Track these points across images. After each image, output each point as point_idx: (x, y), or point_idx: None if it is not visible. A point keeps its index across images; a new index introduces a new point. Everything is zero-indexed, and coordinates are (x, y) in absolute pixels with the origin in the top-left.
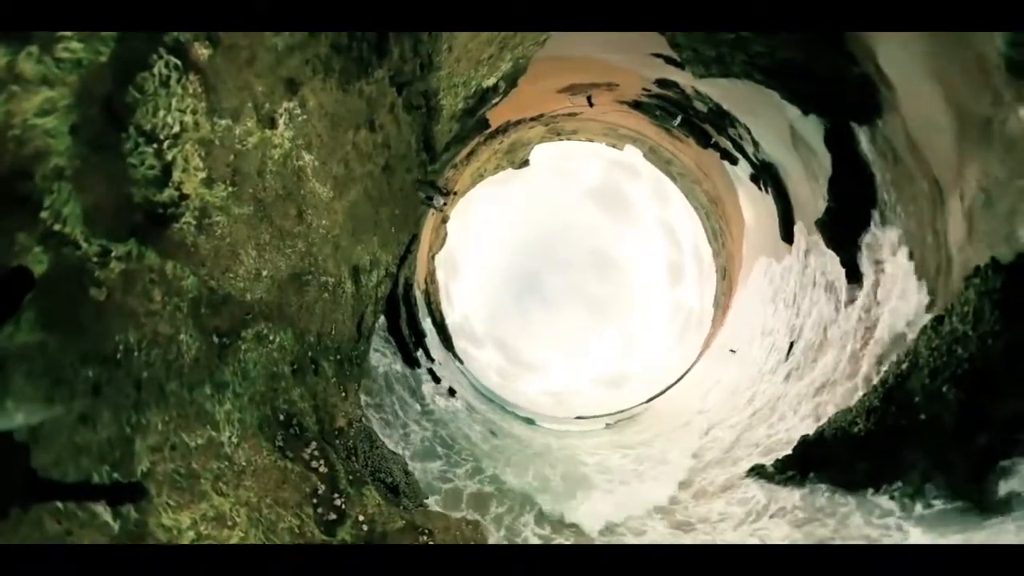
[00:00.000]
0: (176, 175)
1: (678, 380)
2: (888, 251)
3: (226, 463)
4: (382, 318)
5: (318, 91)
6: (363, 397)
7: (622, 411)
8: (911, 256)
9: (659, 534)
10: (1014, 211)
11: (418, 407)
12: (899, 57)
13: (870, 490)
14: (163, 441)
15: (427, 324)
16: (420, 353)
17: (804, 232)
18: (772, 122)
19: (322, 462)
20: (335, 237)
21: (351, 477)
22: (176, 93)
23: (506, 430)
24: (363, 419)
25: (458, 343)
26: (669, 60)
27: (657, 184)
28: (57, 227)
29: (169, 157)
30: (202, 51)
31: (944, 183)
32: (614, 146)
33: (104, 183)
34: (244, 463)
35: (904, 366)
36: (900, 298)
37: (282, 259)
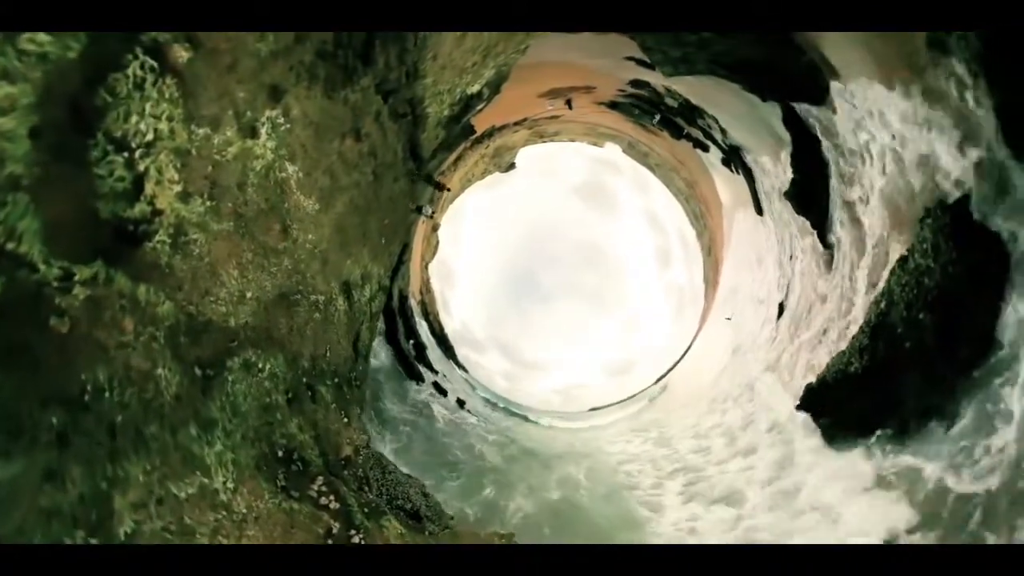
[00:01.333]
0: (149, 188)
1: (681, 357)
2: (849, 208)
3: (223, 513)
4: (379, 334)
5: (302, 99)
6: (367, 420)
7: (633, 396)
8: (868, 209)
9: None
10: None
11: (426, 423)
12: (840, 45)
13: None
14: (147, 495)
15: (426, 336)
16: (422, 366)
17: (775, 204)
18: (736, 111)
19: (332, 497)
20: (323, 252)
21: (367, 509)
22: (151, 97)
23: (521, 434)
24: (370, 444)
25: (460, 351)
26: (641, 62)
27: (637, 176)
28: (11, 246)
29: (141, 168)
30: (181, 53)
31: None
32: (595, 144)
33: (67, 196)
34: (244, 510)
35: (883, 304)
36: (868, 247)
37: (267, 278)
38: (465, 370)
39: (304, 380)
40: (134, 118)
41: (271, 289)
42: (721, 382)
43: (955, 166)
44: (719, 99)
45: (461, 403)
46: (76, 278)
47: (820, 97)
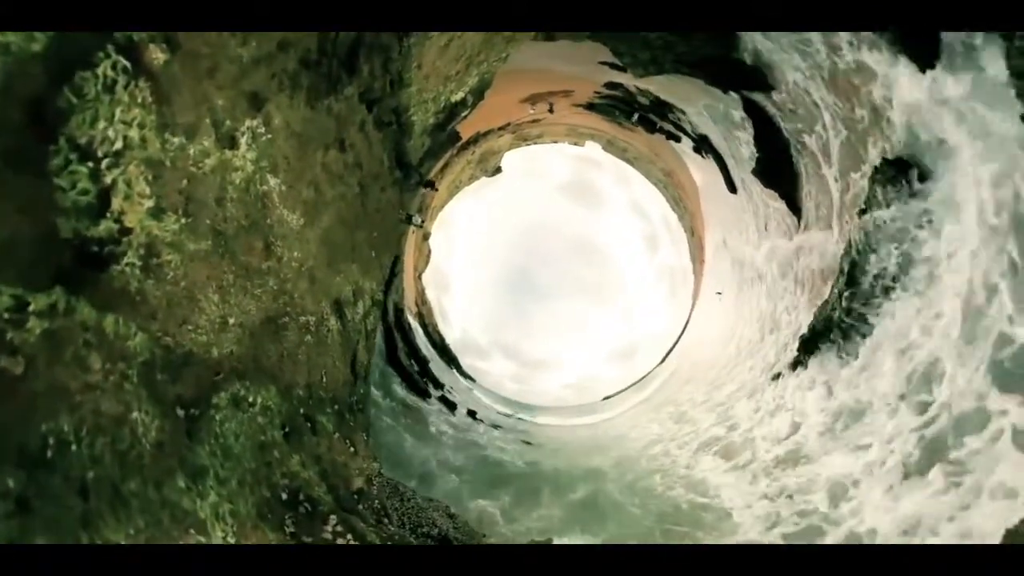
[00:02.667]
0: (116, 203)
1: (681, 334)
2: (809, 177)
3: None
4: (378, 352)
5: (284, 108)
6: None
7: (642, 377)
8: (827, 176)
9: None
10: (873, 126)
11: (437, 441)
12: (771, 41)
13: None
14: None
15: (427, 349)
16: (427, 382)
17: (744, 181)
18: (701, 103)
19: (349, 536)
20: (310, 269)
21: (389, 543)
22: (122, 101)
23: (539, 436)
24: (383, 471)
25: (464, 361)
26: (614, 66)
27: (618, 170)
28: None
29: (108, 180)
30: (157, 55)
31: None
32: (576, 144)
33: (21, 211)
34: None
35: (852, 250)
36: (832, 207)
37: (251, 302)
38: (472, 379)
39: (301, 411)
40: (102, 123)
41: (256, 313)
42: (728, 349)
43: (890, 133)
44: (686, 94)
45: (472, 414)
46: (31, 308)
47: (770, 85)
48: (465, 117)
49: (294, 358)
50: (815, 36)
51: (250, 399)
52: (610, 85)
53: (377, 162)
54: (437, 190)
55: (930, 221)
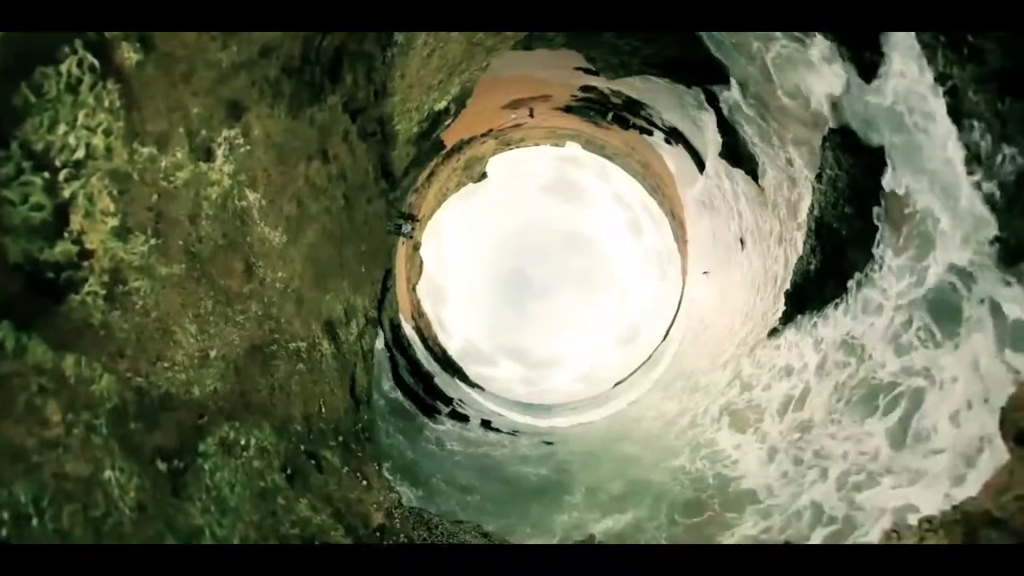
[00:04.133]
0: (76, 221)
1: (677, 310)
2: (769, 152)
3: None
4: (377, 373)
5: (264, 118)
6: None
7: (648, 358)
8: (785, 150)
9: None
10: (810, 107)
11: (453, 458)
12: (721, 41)
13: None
14: None
15: (430, 363)
16: (434, 399)
17: (714, 163)
18: (669, 99)
19: None
20: (296, 290)
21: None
22: (87, 104)
23: (560, 436)
24: (402, 501)
25: (470, 370)
26: (588, 71)
27: (598, 166)
28: None
29: (67, 193)
30: (130, 54)
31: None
32: (557, 145)
33: None
34: None
35: (815, 211)
36: (792, 176)
37: (234, 330)
38: (480, 387)
39: (302, 448)
40: (62, 128)
41: (240, 343)
42: (724, 317)
43: (841, 105)
44: (654, 92)
45: (487, 424)
46: None
47: (725, 79)
48: (448, 125)
49: (287, 390)
50: (753, 35)
51: (242, 442)
52: (585, 88)
53: (362, 173)
54: (419, 220)
55: (881, 175)
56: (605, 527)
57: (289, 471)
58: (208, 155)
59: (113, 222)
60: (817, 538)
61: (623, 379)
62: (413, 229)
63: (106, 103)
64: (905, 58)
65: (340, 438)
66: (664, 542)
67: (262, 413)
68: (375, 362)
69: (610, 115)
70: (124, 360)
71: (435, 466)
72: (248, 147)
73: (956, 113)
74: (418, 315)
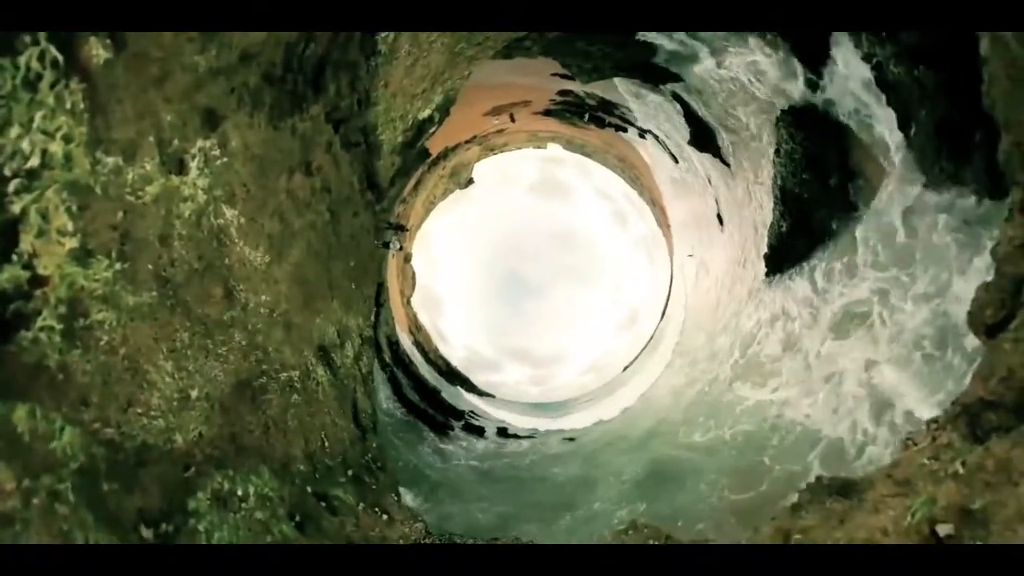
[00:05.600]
0: (27, 241)
1: (670, 290)
2: (730, 133)
3: None
4: (382, 394)
5: (243, 128)
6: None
7: (650, 339)
8: (745, 130)
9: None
10: (759, 95)
11: (476, 473)
12: (679, 44)
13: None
14: None
15: (434, 378)
16: (444, 415)
17: (683, 152)
18: (639, 99)
19: None
20: (283, 314)
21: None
22: (46, 104)
23: (581, 432)
24: (429, 529)
25: (477, 379)
26: (564, 76)
27: (579, 164)
28: None
29: (16, 208)
30: (98, 51)
31: (725, 95)
32: (539, 147)
33: None
34: None
35: (778, 181)
36: (753, 152)
37: (216, 365)
38: (491, 395)
39: (309, 490)
40: (15, 130)
41: (224, 378)
42: (714, 290)
43: (787, 88)
44: (625, 92)
45: (503, 431)
46: None
47: (685, 77)
48: (433, 133)
49: (283, 426)
50: (705, 35)
51: (239, 492)
52: (562, 92)
53: (347, 185)
54: (408, 230)
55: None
56: (654, 511)
57: (298, 518)
58: (181, 167)
59: (71, 243)
60: (852, 450)
61: (630, 363)
62: (402, 241)
63: (68, 104)
64: (838, 46)
65: (350, 472)
66: (714, 507)
67: (258, 456)
68: (376, 384)
69: (586, 116)
70: (89, 409)
71: (458, 484)
72: (225, 159)
73: (883, 84)
74: (416, 328)
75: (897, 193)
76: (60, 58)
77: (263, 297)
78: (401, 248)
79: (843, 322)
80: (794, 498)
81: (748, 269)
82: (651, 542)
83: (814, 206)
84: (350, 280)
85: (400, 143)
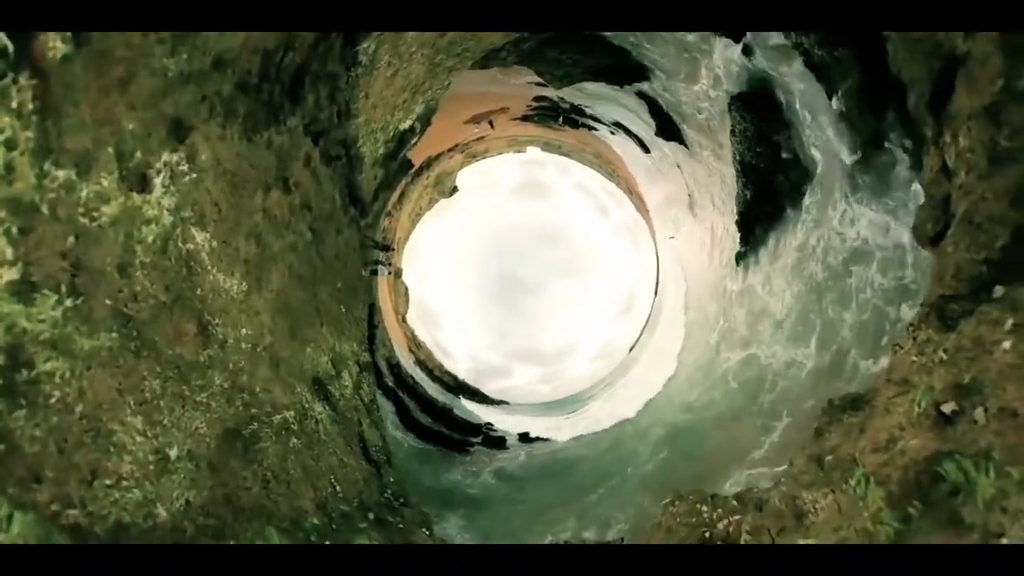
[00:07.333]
0: None
1: (658, 272)
2: (689, 121)
3: None
4: (390, 422)
5: (214, 140)
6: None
7: (648, 317)
8: (703, 117)
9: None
10: (717, 85)
11: (503, 487)
12: (641, 48)
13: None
14: None
15: (443, 396)
16: (461, 434)
17: (653, 143)
18: (608, 99)
19: None
20: (269, 349)
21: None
22: None
23: (599, 420)
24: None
25: (488, 388)
26: (538, 84)
27: (558, 164)
28: None
29: None
30: (56, 44)
31: (683, 88)
32: (519, 151)
33: None
34: None
35: (737, 157)
36: (710, 136)
37: (196, 415)
38: (505, 402)
39: (328, 544)
40: None
41: (208, 430)
42: (698, 268)
43: (735, 77)
44: (595, 95)
45: (524, 437)
46: None
47: (647, 77)
48: (415, 144)
49: (285, 477)
50: (667, 35)
51: None
52: (538, 98)
53: (328, 201)
54: (394, 250)
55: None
56: (675, 463)
57: None
58: (143, 184)
59: (10, 274)
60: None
61: (635, 343)
62: (390, 259)
63: (14, 103)
64: (772, 36)
65: (370, 515)
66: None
67: (261, 516)
68: (382, 413)
69: (560, 119)
70: (43, 486)
71: (492, 496)
72: (194, 175)
73: (810, 65)
74: (416, 346)
75: (836, 154)
76: (10, 47)
77: (243, 330)
78: (390, 271)
79: (808, 262)
80: (815, 424)
81: (725, 239)
82: (698, 506)
83: (771, 174)
84: (339, 303)
85: (382, 155)
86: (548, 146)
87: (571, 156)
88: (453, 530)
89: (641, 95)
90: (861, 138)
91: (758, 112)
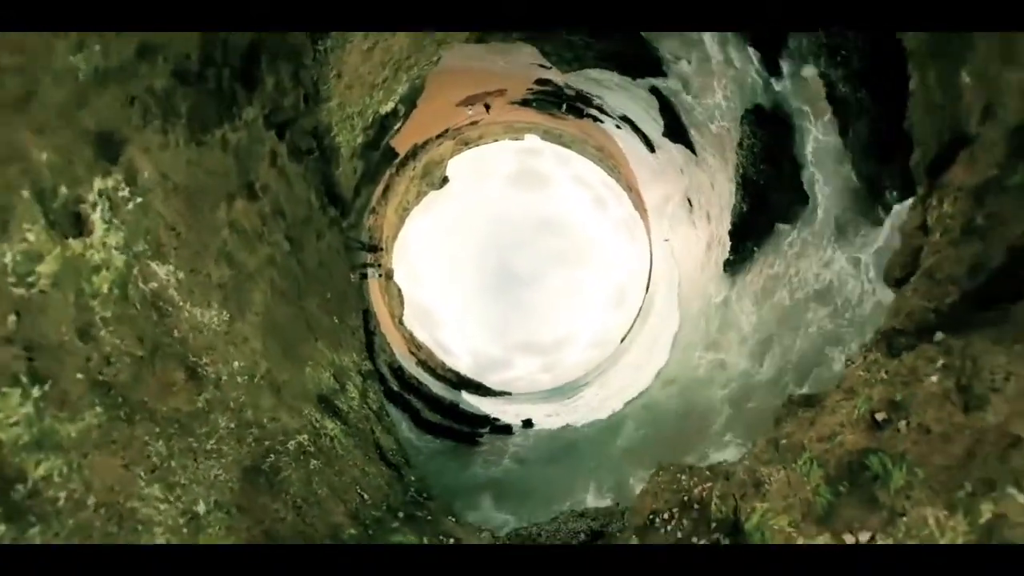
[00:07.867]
0: None
1: (651, 267)
2: (698, 128)
3: None
4: (404, 428)
5: (155, 151)
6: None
7: (640, 309)
8: (713, 124)
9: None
10: (734, 92)
11: (517, 470)
12: (661, 40)
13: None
14: None
15: (448, 393)
16: (471, 428)
17: (659, 141)
18: (617, 89)
19: None
20: (267, 376)
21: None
22: None
23: (599, 405)
24: (498, 532)
25: (491, 380)
26: (542, 65)
27: (558, 154)
28: None
29: None
30: None
31: (701, 92)
32: (516, 138)
33: None
34: None
35: (740, 170)
36: (719, 144)
37: (211, 463)
38: (508, 393)
39: (364, 544)
40: None
41: (227, 475)
42: (692, 265)
43: (754, 90)
44: (603, 84)
45: (528, 423)
46: None
47: (664, 73)
48: (399, 130)
49: (314, 499)
50: (690, 35)
51: None
52: (540, 82)
53: (303, 204)
54: (383, 250)
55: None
56: (702, 452)
57: None
58: (79, 225)
59: None
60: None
61: (626, 333)
62: (380, 261)
63: None
64: (796, 56)
65: (400, 514)
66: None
67: (301, 541)
68: (394, 417)
69: (564, 106)
70: None
71: (514, 478)
72: (138, 199)
73: (831, 98)
74: (415, 348)
75: (836, 187)
76: None
77: (236, 363)
78: (381, 273)
79: (776, 286)
80: (775, 415)
81: (716, 247)
82: (678, 476)
83: (770, 192)
84: (330, 314)
85: (361, 144)
86: (547, 135)
87: (571, 147)
88: (489, 510)
89: (654, 91)
90: (862, 184)
91: (769, 129)
